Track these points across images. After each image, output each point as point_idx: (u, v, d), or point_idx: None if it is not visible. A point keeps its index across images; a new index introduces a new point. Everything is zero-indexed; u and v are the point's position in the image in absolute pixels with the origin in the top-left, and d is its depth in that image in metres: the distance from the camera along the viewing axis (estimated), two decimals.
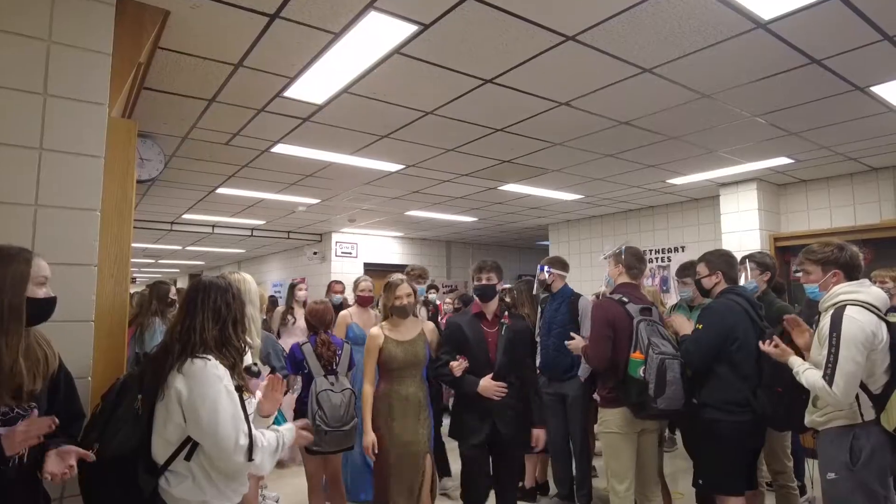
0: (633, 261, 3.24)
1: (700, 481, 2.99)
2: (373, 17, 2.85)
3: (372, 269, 11.52)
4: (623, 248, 3.28)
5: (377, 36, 3.05)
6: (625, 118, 4.47)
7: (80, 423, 1.85)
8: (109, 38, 2.32)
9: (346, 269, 11.15)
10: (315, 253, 11.41)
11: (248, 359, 2.11)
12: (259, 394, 2.11)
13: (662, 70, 3.53)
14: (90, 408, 2.03)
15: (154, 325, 4.42)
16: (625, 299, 3.08)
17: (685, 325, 3.14)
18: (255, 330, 3.06)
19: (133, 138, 2.60)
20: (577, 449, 4.06)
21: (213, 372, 1.75)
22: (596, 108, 4.21)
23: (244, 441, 1.73)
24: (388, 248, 11.89)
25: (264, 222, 9.86)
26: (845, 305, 2.33)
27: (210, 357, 1.79)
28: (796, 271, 3.87)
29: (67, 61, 2.20)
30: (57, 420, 1.57)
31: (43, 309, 1.67)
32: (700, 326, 2.96)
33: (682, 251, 7.98)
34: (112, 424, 1.78)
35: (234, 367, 1.86)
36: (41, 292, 1.65)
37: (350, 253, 11.26)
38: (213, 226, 10.14)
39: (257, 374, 2.20)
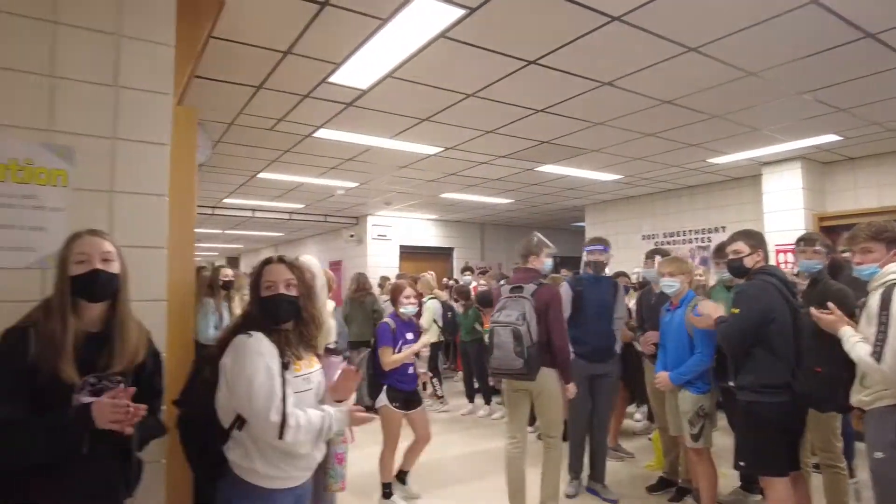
0: (519, 248, 3.87)
1: (741, 463, 3.00)
2: (420, 2, 2.89)
3: (407, 252, 11.65)
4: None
5: (423, 21, 3.10)
6: (668, 97, 4.42)
7: (158, 399, 1.96)
8: (172, 29, 2.41)
9: (382, 252, 11.31)
10: (352, 236, 11.57)
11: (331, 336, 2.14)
12: (335, 377, 2.13)
13: (708, 49, 3.48)
14: (165, 381, 2.16)
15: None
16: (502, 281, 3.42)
17: (716, 310, 3.10)
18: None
19: (194, 125, 2.71)
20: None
21: (254, 347, 1.79)
22: (639, 87, 4.18)
23: (276, 418, 1.73)
24: (422, 230, 11.98)
25: (303, 206, 10.04)
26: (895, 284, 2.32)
27: (254, 333, 1.82)
28: (843, 251, 3.76)
29: (135, 54, 2.30)
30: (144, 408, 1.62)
31: (86, 284, 1.67)
32: (736, 311, 2.92)
33: (723, 231, 7.83)
34: (191, 392, 1.91)
35: (285, 345, 1.87)
36: (79, 269, 1.67)
37: (385, 236, 11.39)
38: (253, 209, 10.38)
39: (339, 353, 2.27)
